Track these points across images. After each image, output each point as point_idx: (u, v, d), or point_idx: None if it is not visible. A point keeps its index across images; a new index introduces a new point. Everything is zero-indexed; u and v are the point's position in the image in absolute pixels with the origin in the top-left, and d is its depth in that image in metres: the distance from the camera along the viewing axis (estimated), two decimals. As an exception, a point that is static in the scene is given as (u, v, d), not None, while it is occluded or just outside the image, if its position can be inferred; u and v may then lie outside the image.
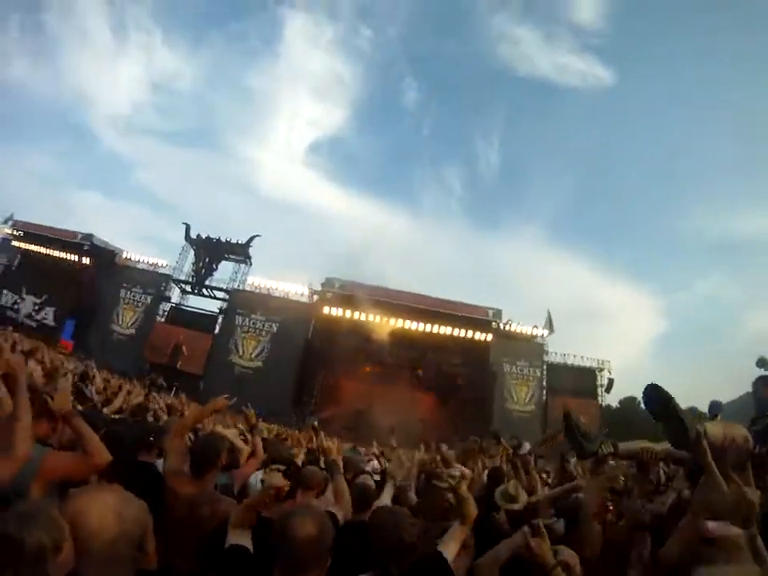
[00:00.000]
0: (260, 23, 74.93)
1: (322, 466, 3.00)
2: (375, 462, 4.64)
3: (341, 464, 2.94)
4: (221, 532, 1.67)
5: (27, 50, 67.41)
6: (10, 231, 27.64)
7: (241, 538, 1.52)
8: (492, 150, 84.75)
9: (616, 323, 66.99)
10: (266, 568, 1.33)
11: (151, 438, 2.71)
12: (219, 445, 2.40)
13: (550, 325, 22.87)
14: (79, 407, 3.07)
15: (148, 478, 2.27)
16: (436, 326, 21.64)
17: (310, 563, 1.29)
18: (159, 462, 2.59)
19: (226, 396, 2.65)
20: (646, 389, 2.27)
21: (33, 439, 1.74)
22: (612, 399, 24.68)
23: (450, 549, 1.70)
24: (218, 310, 24.98)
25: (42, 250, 26.69)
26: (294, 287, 24.10)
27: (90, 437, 1.83)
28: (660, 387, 2.28)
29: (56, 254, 26.52)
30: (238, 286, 24.64)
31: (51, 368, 4.40)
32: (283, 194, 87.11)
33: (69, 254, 26.43)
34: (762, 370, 3.40)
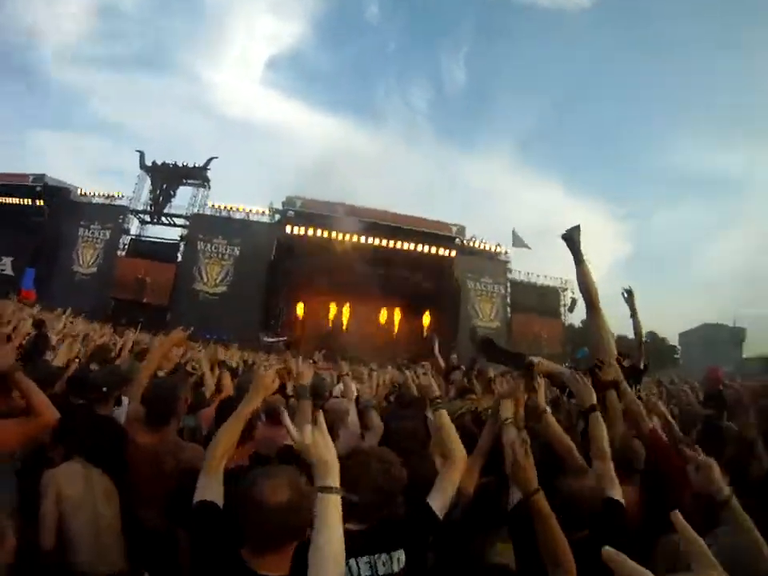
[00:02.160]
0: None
1: (290, 393, 2.85)
2: (340, 384, 4.21)
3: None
4: (186, 483, 1.52)
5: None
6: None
7: (210, 489, 1.34)
8: (459, 68, 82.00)
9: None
10: (238, 529, 1.16)
11: (104, 389, 2.52)
12: (176, 391, 2.25)
13: (520, 242, 22.97)
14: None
15: (107, 433, 2.11)
16: (400, 242, 21.51)
17: (284, 535, 1.13)
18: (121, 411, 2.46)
19: (182, 327, 2.53)
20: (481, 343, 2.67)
21: None
22: (575, 319, 25.30)
23: (438, 500, 1.51)
24: (179, 238, 24.33)
25: None
26: (255, 208, 23.54)
27: (35, 393, 1.70)
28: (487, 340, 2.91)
29: (7, 200, 24.92)
30: (198, 210, 23.91)
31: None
32: (242, 113, 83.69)
33: (21, 199, 24.85)
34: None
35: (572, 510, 1.50)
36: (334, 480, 1.06)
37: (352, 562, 1.27)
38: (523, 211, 65.06)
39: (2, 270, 25.08)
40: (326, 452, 1.07)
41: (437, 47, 74.97)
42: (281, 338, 20.26)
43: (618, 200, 78.61)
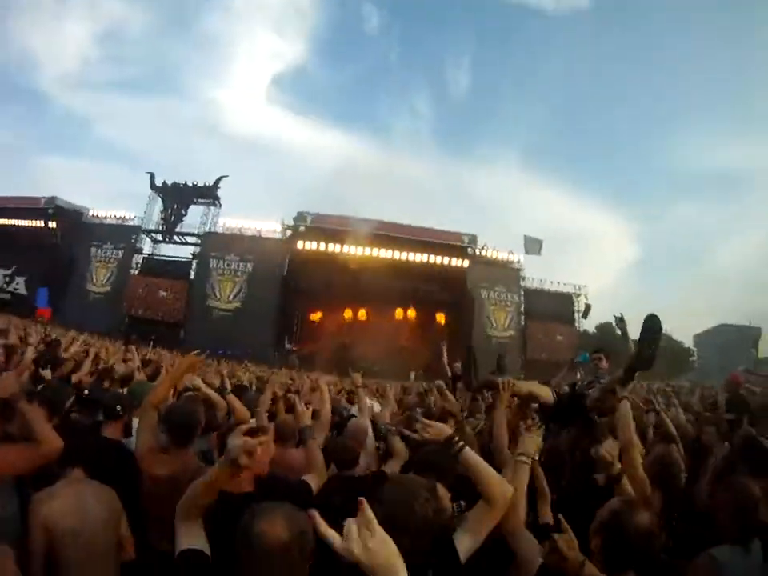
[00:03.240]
0: (210, -44, 69.68)
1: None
2: (355, 407, 4.02)
3: (328, 411, 2.65)
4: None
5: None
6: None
7: (192, 535, 1.23)
8: (462, 75, 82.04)
9: (593, 249, 68.11)
10: (228, 571, 1.07)
11: (118, 408, 2.43)
12: (198, 412, 2.18)
13: (537, 248, 22.85)
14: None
15: (114, 461, 2.08)
16: (412, 254, 21.49)
17: (281, 574, 1.03)
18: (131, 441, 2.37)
19: (196, 352, 2.43)
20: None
21: None
22: (589, 325, 25.11)
23: (465, 542, 1.34)
24: (191, 256, 24.53)
25: (6, 221, 25.59)
26: (267, 225, 23.63)
27: (38, 423, 1.67)
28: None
29: (21, 222, 25.49)
30: (209, 228, 24.15)
31: (11, 345, 4.09)
32: (248, 132, 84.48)
33: (34, 221, 25.39)
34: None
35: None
36: None
37: None
38: (533, 217, 64.99)
39: (16, 290, 25.47)
40: (384, 556, 0.80)
41: (439, 56, 75.66)
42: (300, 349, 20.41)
43: (627, 202, 78.25)
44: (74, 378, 3.75)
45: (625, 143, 73.99)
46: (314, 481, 1.93)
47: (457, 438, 1.53)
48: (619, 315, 2.90)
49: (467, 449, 1.50)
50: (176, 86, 79.11)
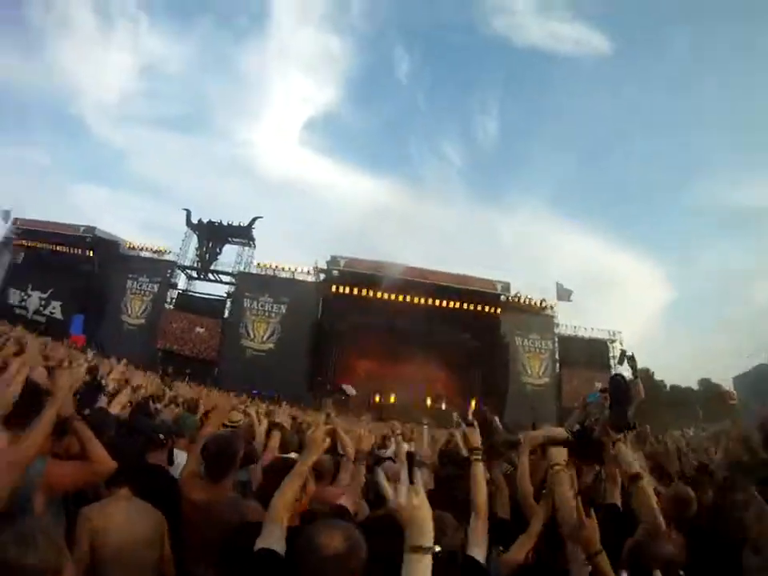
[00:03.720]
0: (247, 1, 71.96)
1: (340, 452, 2.82)
2: (393, 446, 4.26)
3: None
4: (242, 536, 1.54)
5: (12, 46, 65.72)
6: (11, 229, 27.40)
7: (274, 536, 1.38)
8: (490, 121, 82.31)
9: (626, 294, 66.45)
10: None
11: (161, 437, 2.52)
12: (236, 445, 2.21)
13: (566, 294, 22.52)
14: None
15: (159, 484, 2.13)
16: (445, 301, 21.41)
17: None
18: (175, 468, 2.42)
19: (246, 394, 2.47)
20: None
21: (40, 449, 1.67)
22: (625, 371, 24.45)
23: (478, 552, 1.58)
24: (225, 294, 24.96)
25: (45, 245, 26.52)
26: (300, 266, 23.91)
27: (93, 443, 1.76)
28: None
29: (59, 248, 26.34)
30: (244, 268, 24.55)
31: (56, 365, 4.16)
32: (282, 173, 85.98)
33: (72, 248, 26.26)
34: None
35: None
36: (428, 540, 1.06)
37: None
38: (565, 264, 64.05)
39: (53, 314, 26.16)
40: (421, 512, 1.07)
41: (468, 101, 75.93)
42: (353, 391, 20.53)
43: (659, 244, 76.41)
44: (113, 409, 3.72)
45: (654, 182, 72.45)
46: (349, 503, 2.01)
47: (478, 452, 1.86)
48: (630, 354, 2.90)
49: (479, 464, 1.81)
50: (211, 124, 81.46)
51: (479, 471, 1.80)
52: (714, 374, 34.91)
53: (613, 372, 24.08)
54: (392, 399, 20.33)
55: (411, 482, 1.10)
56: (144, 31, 62.69)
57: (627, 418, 2.35)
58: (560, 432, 2.50)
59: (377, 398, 20.57)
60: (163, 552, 1.89)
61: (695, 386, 34.24)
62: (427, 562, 1.05)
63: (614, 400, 2.38)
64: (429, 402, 21.24)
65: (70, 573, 1.09)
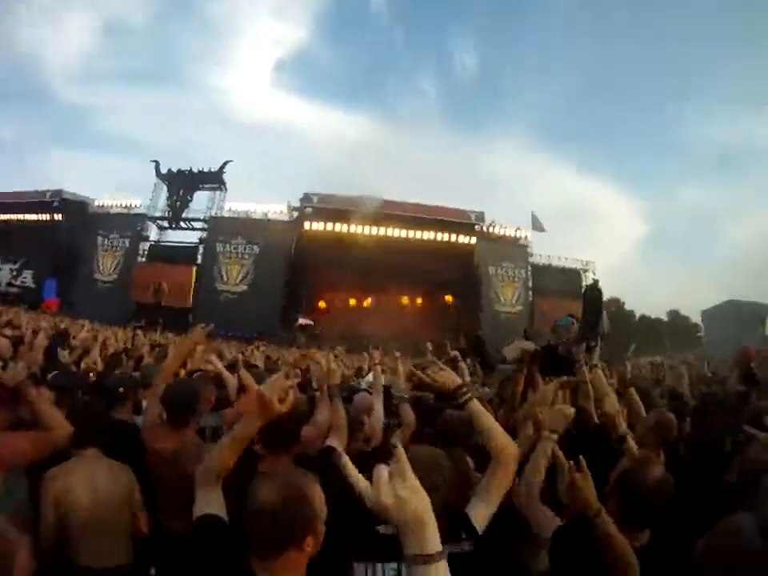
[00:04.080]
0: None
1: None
2: (370, 375, 3.90)
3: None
4: None
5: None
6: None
7: (211, 501, 1.22)
8: (470, 53, 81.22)
9: (600, 225, 67.79)
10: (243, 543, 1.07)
11: (121, 390, 2.48)
12: (195, 391, 2.15)
13: (539, 224, 22.81)
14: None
15: (124, 439, 2.08)
16: (419, 232, 21.48)
17: (279, 539, 1.01)
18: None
19: (202, 325, 2.37)
20: None
21: None
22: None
23: (480, 511, 1.28)
24: (197, 241, 24.55)
25: (12, 216, 25.80)
26: (273, 207, 23.62)
27: (46, 410, 1.70)
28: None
29: (27, 217, 25.69)
30: (215, 213, 24.12)
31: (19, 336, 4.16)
32: (253, 117, 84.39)
33: (40, 215, 25.62)
34: None
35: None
36: (435, 543, 0.68)
37: (378, 567, 1.21)
38: (541, 194, 64.77)
39: (24, 283, 25.56)
40: (417, 508, 0.68)
41: (446, 34, 74.98)
42: (310, 322, 20.46)
43: (635, 179, 77.63)
44: (83, 365, 3.78)
45: (634, 118, 73.32)
46: (336, 442, 1.91)
47: (465, 389, 1.48)
48: (592, 282, 2.99)
49: (474, 400, 1.45)
50: (180, 74, 79.12)
51: (479, 410, 1.43)
52: (683, 307, 36.11)
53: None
54: (366, 330, 20.40)
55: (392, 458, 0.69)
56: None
57: (596, 329, 2.47)
58: (529, 344, 2.61)
59: (351, 330, 20.60)
60: (134, 509, 1.86)
61: (664, 317, 35.38)
62: (443, 569, 0.68)
63: (587, 310, 2.50)
64: (404, 332, 21.39)
65: (25, 551, 1.05)
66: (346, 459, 0.81)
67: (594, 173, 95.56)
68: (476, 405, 1.43)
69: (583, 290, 2.66)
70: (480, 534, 1.25)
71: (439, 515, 0.70)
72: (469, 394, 1.46)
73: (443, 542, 0.68)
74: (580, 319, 2.76)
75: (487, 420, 1.41)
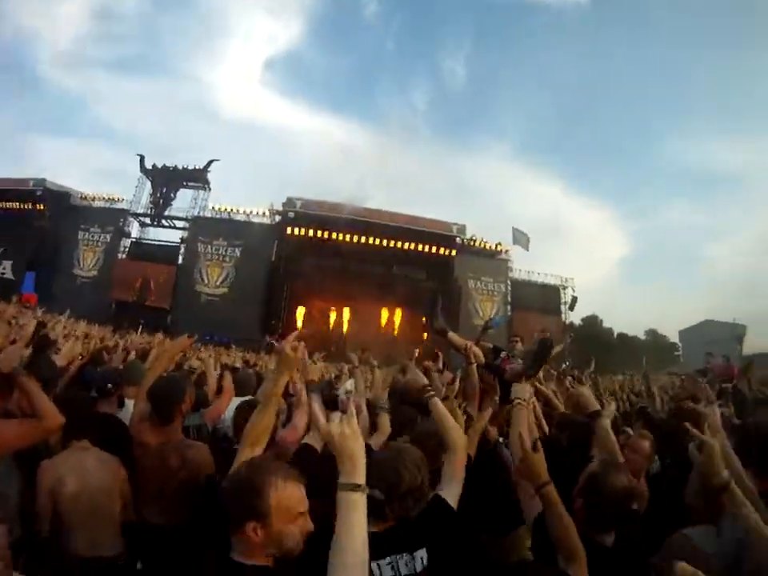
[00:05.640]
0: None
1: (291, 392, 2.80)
2: (348, 382, 3.88)
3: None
4: (192, 482, 1.62)
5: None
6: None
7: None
8: (459, 66, 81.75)
9: (581, 243, 68.58)
10: None
11: (110, 386, 2.57)
12: (180, 388, 2.22)
13: (520, 239, 22.95)
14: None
15: (111, 431, 2.17)
16: (400, 242, 21.52)
17: (238, 515, 1.10)
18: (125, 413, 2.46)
19: (188, 335, 2.54)
20: None
21: None
22: (575, 317, 25.36)
23: (449, 492, 1.49)
24: (179, 240, 24.32)
25: None
26: (256, 209, 23.51)
27: (40, 398, 1.69)
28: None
29: (8, 205, 24.93)
30: (198, 212, 23.89)
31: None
32: (241, 115, 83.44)
33: (21, 203, 24.85)
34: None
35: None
36: (361, 477, 0.93)
37: (374, 565, 1.23)
38: (524, 210, 65.36)
39: (3, 274, 24.97)
40: (353, 445, 0.94)
41: (437, 46, 75.17)
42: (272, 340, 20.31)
43: (618, 199, 78.81)
44: (59, 361, 3.74)
45: (619, 138, 74.41)
46: (313, 441, 1.95)
47: (430, 388, 1.82)
48: (547, 337, 3.11)
49: (436, 399, 1.75)
50: (168, 66, 77.77)
51: (438, 406, 1.71)
52: (661, 326, 36.79)
53: (563, 317, 24.91)
54: (346, 339, 20.42)
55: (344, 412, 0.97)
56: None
57: (535, 371, 2.75)
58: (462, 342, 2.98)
59: (329, 339, 20.60)
60: (124, 499, 1.95)
61: (642, 336, 35.95)
62: (360, 502, 0.91)
63: (536, 354, 2.73)
64: (383, 341, 21.43)
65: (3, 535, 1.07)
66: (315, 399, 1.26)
67: (578, 191, 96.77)
68: (436, 402, 1.73)
69: (539, 339, 2.90)
70: (455, 509, 1.46)
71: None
72: (431, 393, 1.78)
73: None
74: (531, 353, 2.89)
75: (445, 416, 1.68)
